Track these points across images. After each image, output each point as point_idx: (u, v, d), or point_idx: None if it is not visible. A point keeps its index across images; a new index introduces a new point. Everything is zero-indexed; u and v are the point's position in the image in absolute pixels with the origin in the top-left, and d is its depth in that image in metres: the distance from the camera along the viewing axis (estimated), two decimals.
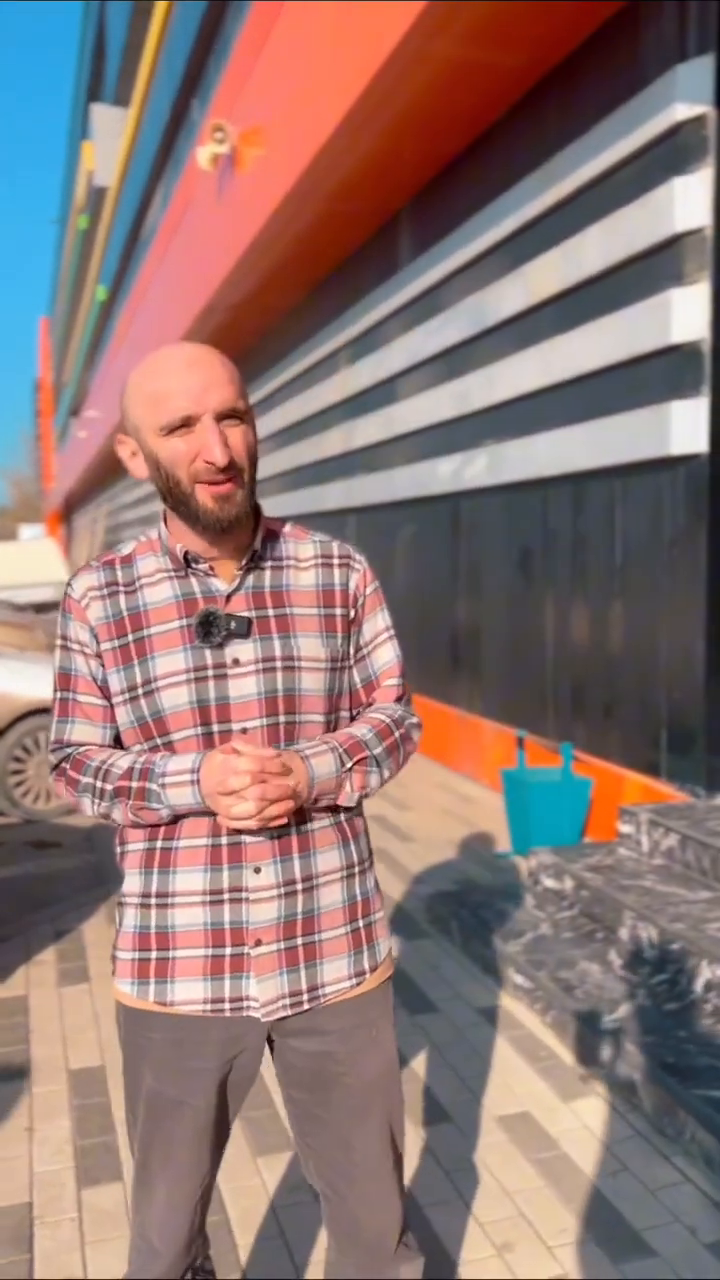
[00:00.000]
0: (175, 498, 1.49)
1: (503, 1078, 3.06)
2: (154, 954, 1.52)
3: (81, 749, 1.57)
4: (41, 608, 21.51)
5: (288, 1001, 1.53)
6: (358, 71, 5.89)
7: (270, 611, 1.55)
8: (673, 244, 4.45)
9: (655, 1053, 2.93)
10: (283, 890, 1.52)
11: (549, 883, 4.23)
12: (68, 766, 1.56)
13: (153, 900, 1.52)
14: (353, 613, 1.62)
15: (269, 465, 11.39)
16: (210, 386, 1.44)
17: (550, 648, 5.70)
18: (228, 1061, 1.55)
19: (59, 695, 1.60)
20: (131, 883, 1.56)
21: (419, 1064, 3.15)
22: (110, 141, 24.37)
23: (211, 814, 1.47)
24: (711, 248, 4.33)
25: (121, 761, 1.51)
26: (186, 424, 1.44)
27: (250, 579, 1.55)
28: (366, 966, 1.60)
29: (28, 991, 3.74)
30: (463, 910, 4.12)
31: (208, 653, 1.50)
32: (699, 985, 3.25)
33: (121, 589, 1.55)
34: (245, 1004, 1.52)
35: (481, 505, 6.46)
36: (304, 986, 1.54)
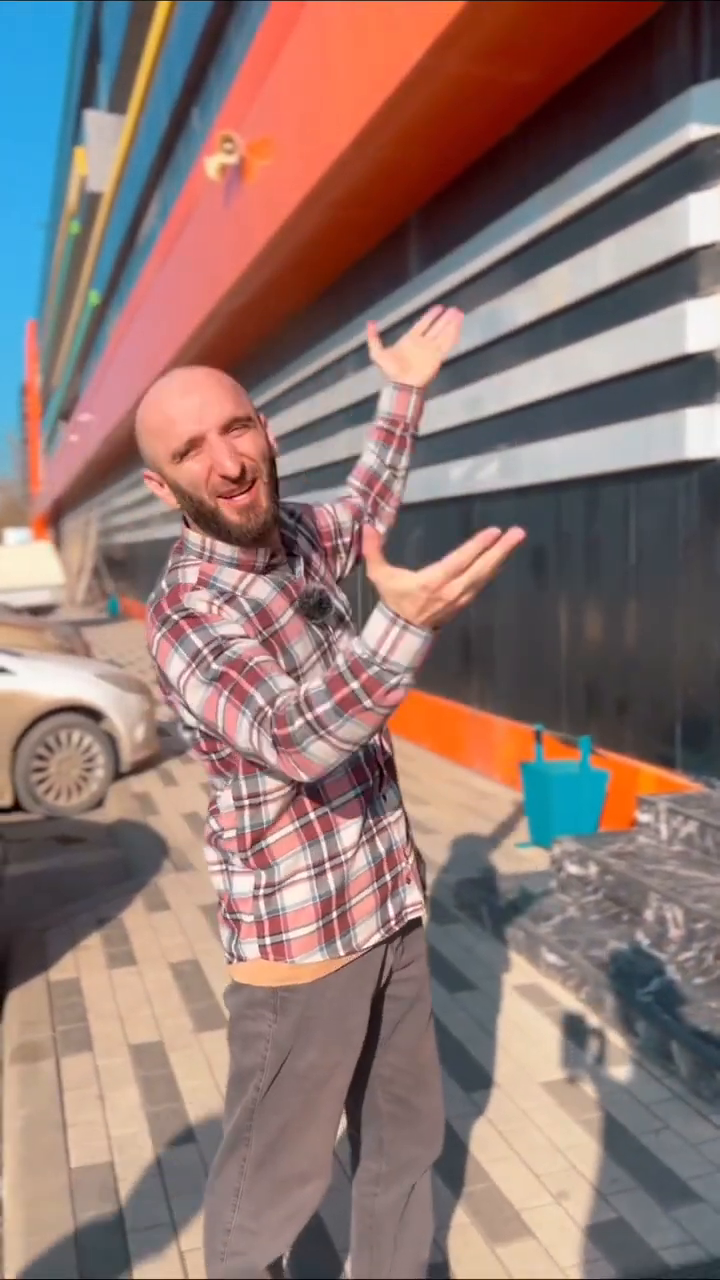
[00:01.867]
0: (205, 518, 1.56)
1: (543, 1048, 3.24)
2: (335, 912, 1.65)
3: (276, 705, 1.40)
4: (37, 611, 21.62)
5: (421, 900, 1.79)
6: (374, 87, 6.07)
7: (318, 578, 1.75)
8: (688, 258, 4.65)
9: (689, 1022, 3.12)
10: (400, 808, 1.79)
11: (573, 869, 4.41)
12: (279, 736, 1.36)
13: (327, 865, 1.64)
14: (335, 541, 1.89)
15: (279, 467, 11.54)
16: (207, 404, 1.51)
17: (564, 646, 5.89)
18: (372, 999, 1.74)
19: (239, 676, 1.43)
20: (291, 863, 1.61)
21: (462, 1036, 3.32)
22: (104, 147, 24.49)
23: (351, 769, 1.65)
24: None
25: (311, 686, 1.34)
26: (194, 445, 1.51)
27: (300, 559, 1.73)
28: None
29: (79, 974, 3.90)
30: (492, 896, 4.30)
31: (316, 630, 1.67)
32: None
33: (230, 596, 1.56)
34: (406, 911, 1.75)
35: (494, 508, 6.64)
36: (420, 892, 1.80)
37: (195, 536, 1.61)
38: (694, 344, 4.61)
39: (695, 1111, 2.86)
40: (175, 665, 1.50)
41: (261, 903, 1.64)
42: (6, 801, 6.65)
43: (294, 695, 1.37)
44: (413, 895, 1.76)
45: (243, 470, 1.51)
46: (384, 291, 8.31)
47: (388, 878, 1.72)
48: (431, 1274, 2.22)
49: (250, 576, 1.61)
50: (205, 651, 1.47)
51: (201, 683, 1.46)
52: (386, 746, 1.78)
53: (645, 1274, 2.23)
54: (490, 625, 6.78)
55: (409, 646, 1.25)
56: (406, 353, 1.97)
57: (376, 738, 1.74)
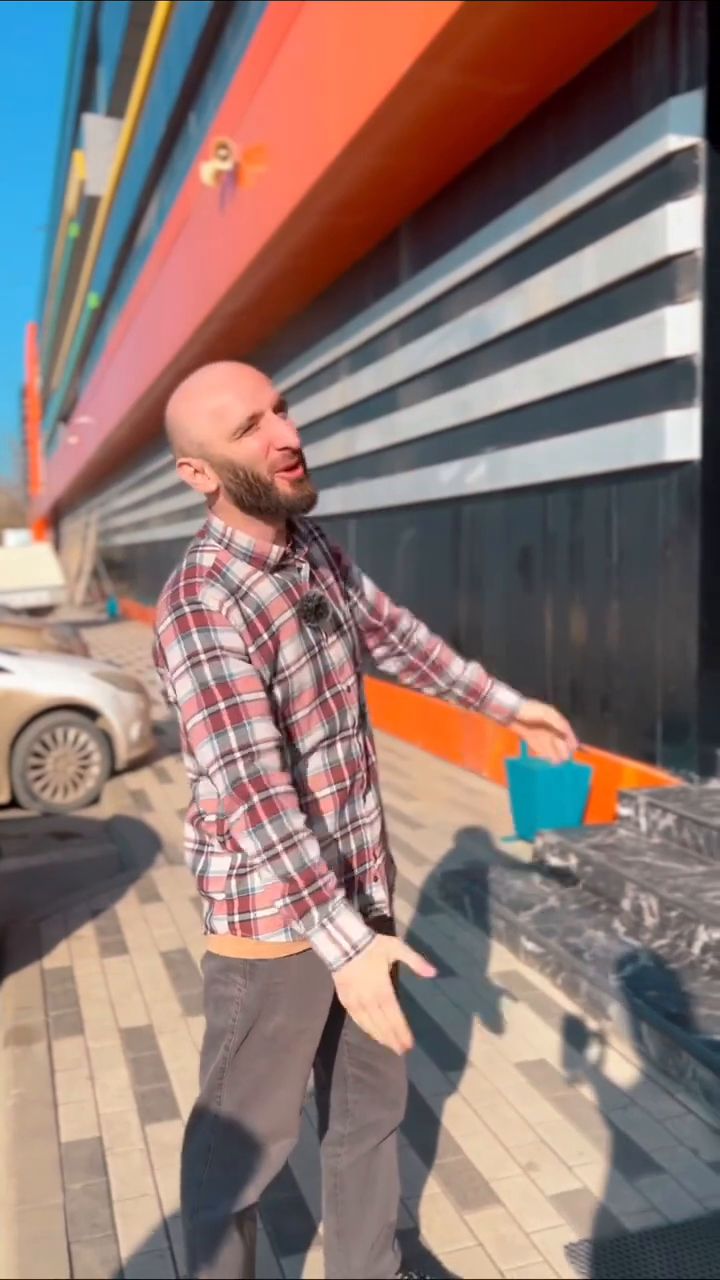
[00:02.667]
0: (256, 494, 1.64)
1: (519, 1031, 3.35)
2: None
3: (280, 792, 1.58)
4: (36, 612, 21.74)
5: (386, 900, 1.90)
6: (365, 96, 6.20)
7: (322, 587, 1.82)
8: (666, 265, 4.76)
9: (659, 1005, 3.23)
10: (376, 812, 1.89)
11: (554, 861, 4.53)
12: (258, 798, 1.55)
13: None
14: (338, 569, 1.95)
15: None
16: (259, 386, 1.63)
17: (549, 645, 6.01)
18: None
19: (222, 704, 1.58)
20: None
21: (441, 1020, 3.44)
22: (102, 151, 24.65)
23: (330, 767, 1.76)
24: (703, 269, 4.64)
25: (310, 853, 1.55)
26: (254, 422, 1.62)
27: (307, 563, 1.82)
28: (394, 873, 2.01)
29: (72, 962, 4.02)
30: (474, 886, 4.41)
31: (310, 634, 1.75)
32: (697, 948, 3.55)
33: (238, 595, 1.66)
34: (371, 910, 1.86)
35: (482, 509, 6.76)
36: (391, 886, 1.93)
37: (219, 524, 1.71)
38: (673, 349, 4.73)
39: (662, 1089, 2.97)
40: (174, 655, 1.62)
41: (234, 882, 1.75)
42: (3, 798, 6.76)
43: (295, 828, 1.56)
44: (379, 894, 1.86)
45: (298, 445, 1.65)
46: (375, 296, 8.44)
47: (355, 873, 1.82)
48: (403, 1239, 2.34)
49: (259, 574, 1.70)
50: (202, 656, 1.59)
51: (190, 684, 1.59)
52: (370, 752, 1.87)
53: (605, 1237, 2.35)
54: (479, 624, 6.90)
55: (329, 950, 1.56)
56: (540, 727, 2.10)
57: (360, 744, 1.83)
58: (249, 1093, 1.80)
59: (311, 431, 10.32)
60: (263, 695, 1.63)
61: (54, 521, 56.34)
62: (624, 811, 4.72)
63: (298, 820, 1.57)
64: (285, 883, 1.55)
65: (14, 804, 6.85)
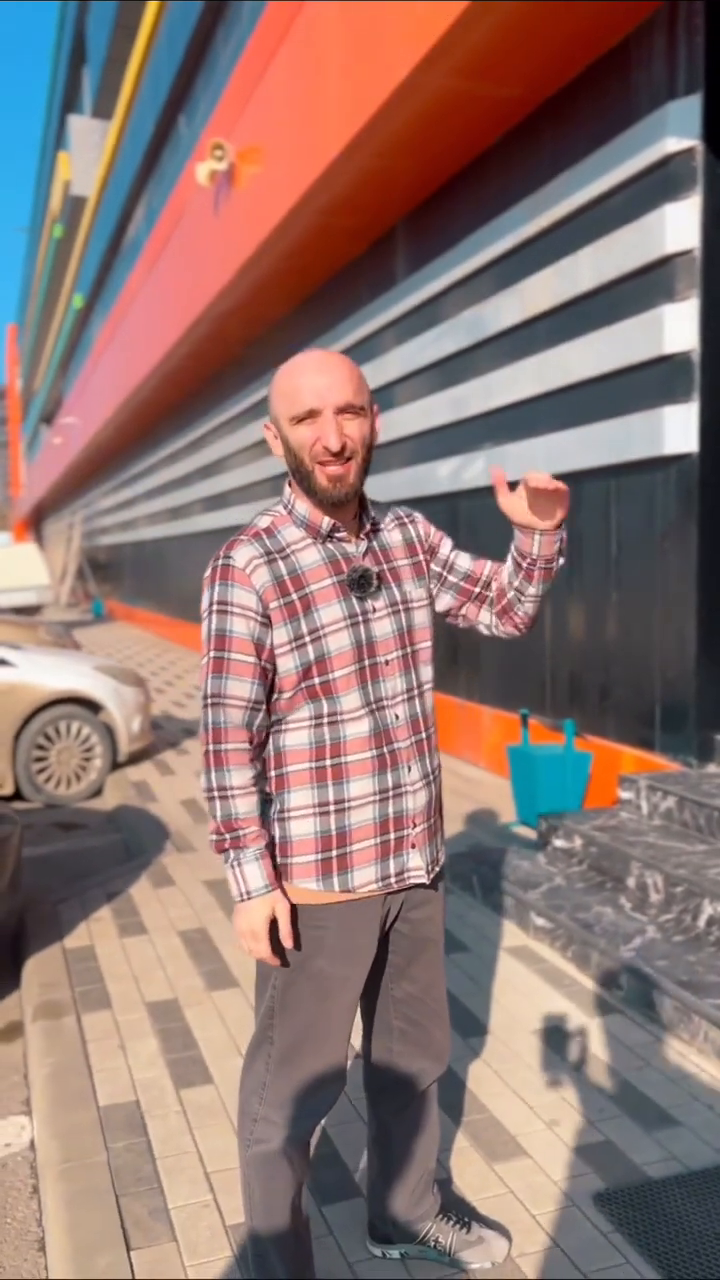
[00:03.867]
0: (300, 475, 1.86)
1: (533, 1000, 3.47)
2: (335, 852, 1.88)
3: (230, 748, 1.83)
4: (23, 612, 21.72)
5: (430, 867, 1.99)
6: (363, 100, 6.32)
7: (385, 566, 1.97)
8: (664, 264, 4.90)
9: (669, 973, 3.36)
10: (424, 781, 1.97)
11: (559, 842, 4.65)
12: (211, 751, 1.84)
13: (330, 808, 1.87)
14: (424, 555, 2.05)
15: (267, 467, 11.77)
16: (333, 386, 1.80)
17: (548, 635, 6.14)
18: (379, 932, 1.96)
19: (214, 654, 1.83)
20: (300, 797, 1.86)
21: (458, 991, 3.55)
22: (88, 153, 24.67)
23: (371, 733, 1.88)
24: (700, 268, 4.78)
25: (239, 808, 1.83)
26: (311, 416, 1.81)
27: (370, 542, 1.96)
28: (443, 842, 2.09)
29: (93, 942, 4.11)
30: (482, 867, 4.53)
31: (355, 602, 1.89)
32: (702, 921, 3.68)
33: (277, 556, 1.85)
34: (407, 874, 1.94)
35: (480, 504, 6.89)
36: (434, 856, 2.02)
37: (289, 491, 1.93)
38: (671, 345, 4.87)
39: (675, 1051, 3.10)
40: (204, 600, 1.88)
41: (277, 826, 1.90)
42: (8, 790, 6.84)
43: (237, 783, 1.84)
44: (415, 860, 1.94)
45: (343, 448, 1.81)
46: (370, 296, 8.55)
47: (391, 836, 1.91)
48: (439, 1189, 2.45)
49: (307, 541, 1.89)
50: (215, 607, 1.84)
51: (205, 629, 1.87)
52: (422, 727, 1.97)
53: (630, 1183, 2.47)
54: None
55: (234, 887, 1.86)
56: (530, 500, 1.89)
57: (406, 715, 1.93)
58: (299, 1034, 1.91)
59: None
60: (252, 658, 1.83)
61: (35, 523, 56.14)
62: (625, 795, 4.85)
63: (238, 777, 1.83)
64: (213, 823, 1.85)
65: (18, 795, 6.92)
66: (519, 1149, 2.63)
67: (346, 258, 9.03)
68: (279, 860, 1.89)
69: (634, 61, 5.11)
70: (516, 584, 2.01)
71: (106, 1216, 2.40)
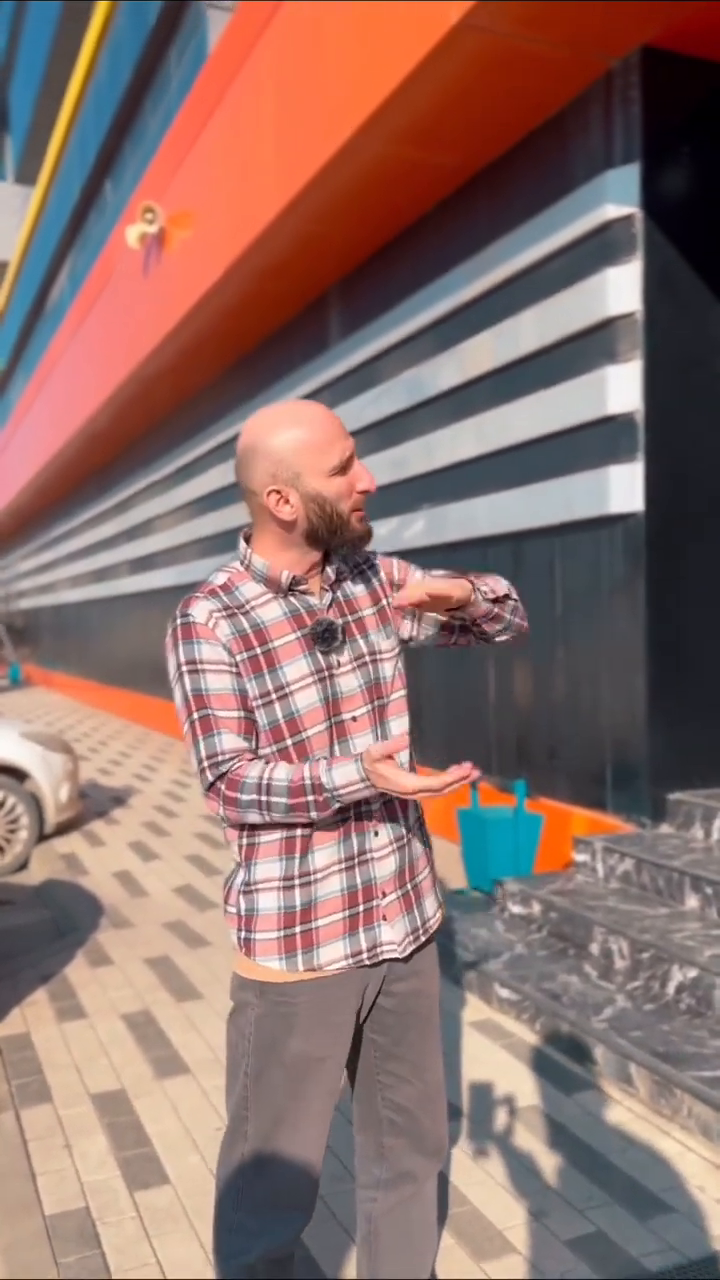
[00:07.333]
0: (333, 528, 1.73)
1: (504, 1078, 3.30)
2: (298, 928, 1.73)
3: (234, 766, 1.69)
4: None
5: (410, 938, 1.83)
6: (299, 165, 6.34)
7: (350, 618, 1.84)
8: (606, 326, 4.95)
9: (644, 1045, 3.23)
10: (394, 846, 1.82)
11: (516, 909, 4.52)
12: (224, 787, 1.68)
13: (295, 881, 1.73)
14: (392, 593, 1.91)
15: (196, 529, 11.63)
16: (345, 430, 1.75)
17: (493, 696, 6.06)
18: (358, 1011, 1.80)
19: (197, 715, 1.70)
20: (268, 869, 1.74)
21: None
22: (9, 218, 24.66)
23: None
24: (642, 330, 4.84)
25: (279, 775, 1.65)
26: (350, 464, 1.73)
27: (335, 594, 1.84)
28: (438, 903, 1.94)
29: (28, 1029, 3.82)
30: (439, 937, 4.36)
31: (319, 657, 1.77)
32: (671, 988, 3.57)
33: (236, 610, 1.74)
34: (380, 950, 1.78)
35: (420, 564, 6.81)
36: (418, 923, 1.86)
37: (245, 547, 1.81)
38: (615, 406, 4.90)
39: (657, 1129, 2.95)
40: (170, 664, 1.76)
41: (242, 898, 1.77)
42: None
43: (258, 775, 1.66)
44: (387, 934, 1.79)
45: None
46: (303, 359, 8.55)
47: (361, 909, 1.77)
48: None
49: (267, 595, 1.77)
50: (185, 668, 1.72)
51: (178, 694, 1.74)
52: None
53: (629, 1276, 2.31)
54: (418, 679, 6.93)
55: (358, 795, 1.64)
56: (425, 606, 1.76)
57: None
58: (272, 1127, 1.75)
59: (236, 494, 10.33)
60: (235, 711, 1.71)
61: None
62: (580, 858, 4.75)
63: (253, 770, 1.67)
64: (295, 811, 1.65)
65: None
66: (507, 1244, 2.45)
67: (279, 321, 9.03)
68: (244, 934, 1.76)
69: (571, 130, 5.21)
70: (486, 627, 1.89)
71: None
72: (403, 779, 1.58)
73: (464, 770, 1.57)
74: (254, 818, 1.68)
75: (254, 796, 1.66)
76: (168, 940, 4.84)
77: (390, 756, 1.60)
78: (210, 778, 1.69)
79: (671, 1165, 2.77)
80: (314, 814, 1.65)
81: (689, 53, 4.83)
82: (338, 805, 1.65)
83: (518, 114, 5.38)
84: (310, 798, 1.64)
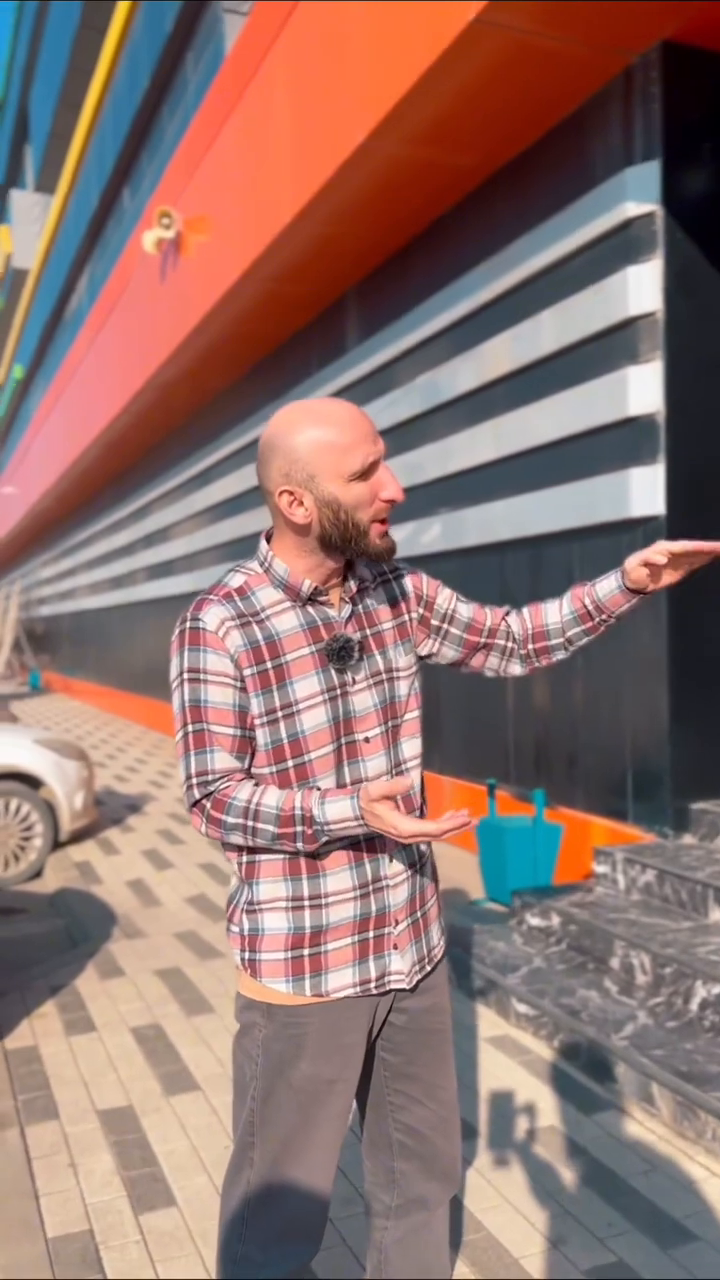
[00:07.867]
0: (349, 537, 1.62)
1: (521, 1097, 3.21)
2: (307, 950, 1.65)
3: (222, 786, 1.62)
4: None
5: (418, 966, 1.75)
6: (315, 168, 6.28)
7: (368, 632, 1.75)
8: (627, 326, 4.86)
9: (666, 1064, 3.12)
10: (408, 873, 1.74)
11: (535, 921, 4.42)
12: (209, 805, 1.61)
13: (306, 903, 1.65)
14: (420, 611, 1.83)
15: (214, 535, 11.58)
16: (375, 433, 1.62)
17: (511, 705, 5.96)
18: (369, 1031, 1.72)
19: (192, 727, 1.62)
20: (273, 889, 1.66)
21: None
22: (30, 226, 24.76)
23: None
24: (663, 330, 4.74)
25: (269, 800, 1.58)
26: (373, 469, 1.60)
27: (356, 606, 1.74)
28: (442, 930, 1.87)
29: (36, 1042, 3.75)
30: (454, 949, 4.27)
31: (333, 674, 1.68)
32: (695, 1004, 3.46)
33: (250, 619, 1.64)
34: (389, 979, 1.71)
35: (437, 569, 6.73)
36: (426, 951, 1.78)
37: (265, 548, 1.69)
38: (635, 407, 4.80)
39: (680, 1152, 2.85)
40: (172, 668, 1.67)
41: (246, 918, 1.70)
42: None
43: (247, 798, 1.59)
44: (397, 964, 1.72)
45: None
46: (320, 363, 8.49)
47: (370, 935, 1.69)
48: None
49: (285, 604, 1.67)
50: (186, 676, 1.63)
51: (176, 701, 1.66)
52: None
53: None
54: (436, 688, 6.84)
55: (350, 833, 1.57)
56: (661, 564, 1.71)
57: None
58: (280, 1152, 1.67)
59: (246, 500, 10.28)
60: (232, 728, 1.63)
61: None
62: (600, 869, 4.64)
63: (242, 792, 1.60)
64: (281, 840, 1.58)
65: None
66: (523, 1274, 2.36)
67: (296, 325, 8.98)
68: (249, 955, 1.68)
69: (590, 128, 5.13)
70: (572, 634, 1.84)
71: None
72: (399, 822, 1.50)
73: (461, 818, 1.49)
74: (237, 840, 1.62)
75: (240, 820, 1.59)
76: (179, 951, 4.76)
77: (389, 797, 1.52)
78: (196, 795, 1.63)
79: (696, 1190, 2.67)
80: (301, 845, 1.58)
81: (710, 47, 4.74)
82: (325, 840, 1.58)
83: (536, 112, 5.30)
84: (299, 829, 1.57)
